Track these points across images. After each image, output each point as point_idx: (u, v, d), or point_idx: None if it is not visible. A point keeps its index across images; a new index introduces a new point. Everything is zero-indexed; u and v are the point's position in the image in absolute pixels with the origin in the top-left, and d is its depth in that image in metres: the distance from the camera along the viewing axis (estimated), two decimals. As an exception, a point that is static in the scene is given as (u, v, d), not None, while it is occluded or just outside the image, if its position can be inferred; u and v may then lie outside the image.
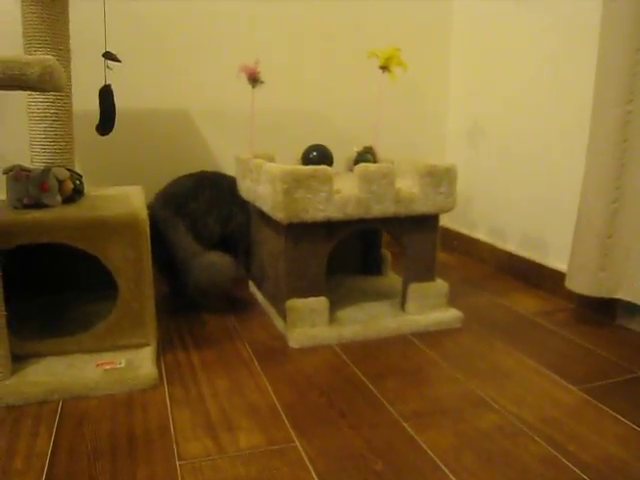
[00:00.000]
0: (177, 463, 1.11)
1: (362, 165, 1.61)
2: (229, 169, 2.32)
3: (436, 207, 1.71)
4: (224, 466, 1.10)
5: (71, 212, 1.44)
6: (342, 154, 2.09)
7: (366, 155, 2.03)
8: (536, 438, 1.21)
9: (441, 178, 1.70)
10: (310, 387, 1.40)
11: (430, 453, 1.15)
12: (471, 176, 2.59)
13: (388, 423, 1.26)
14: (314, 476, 1.08)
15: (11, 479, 1.06)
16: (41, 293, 1.81)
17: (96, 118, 1.82)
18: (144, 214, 1.46)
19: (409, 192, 1.66)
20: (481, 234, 2.57)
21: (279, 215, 1.55)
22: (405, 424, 1.26)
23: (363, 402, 1.34)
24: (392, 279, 2.11)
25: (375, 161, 2.01)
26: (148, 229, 1.47)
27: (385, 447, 1.17)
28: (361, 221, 1.65)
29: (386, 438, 1.20)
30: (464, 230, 2.70)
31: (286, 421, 1.26)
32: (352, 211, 1.60)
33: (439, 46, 2.69)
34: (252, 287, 2.10)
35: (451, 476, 1.09)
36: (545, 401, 1.36)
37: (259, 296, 1.99)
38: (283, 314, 1.68)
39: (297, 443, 1.18)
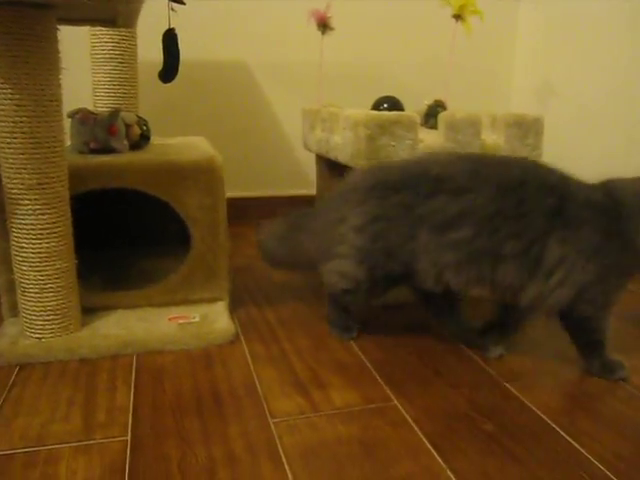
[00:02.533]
0: (270, 421, 1.03)
1: (448, 112, 1.51)
2: (293, 123, 2.23)
3: (522, 159, 1.60)
4: (322, 424, 1.02)
5: (143, 157, 1.36)
6: (411, 107, 1.98)
7: (437, 109, 1.91)
8: (654, 401, 1.11)
9: (528, 129, 1.59)
10: (397, 345, 1.31)
11: (540, 414, 1.06)
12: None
13: (489, 384, 1.17)
14: (421, 436, 0.99)
15: (96, 432, 0.99)
16: (108, 245, 1.73)
17: (158, 65, 1.72)
18: (220, 160, 1.37)
19: (495, 143, 1.56)
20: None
21: (360, 163, 1.45)
22: (507, 384, 1.16)
23: (457, 362, 1.25)
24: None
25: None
26: (223, 176, 1.38)
27: (491, 408, 1.08)
28: (443, 173, 1.55)
29: (490, 399, 1.11)
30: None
31: (379, 379, 1.17)
32: (436, 161, 1.49)
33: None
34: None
35: (570, 439, 0.99)
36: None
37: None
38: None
39: (396, 402, 1.09)
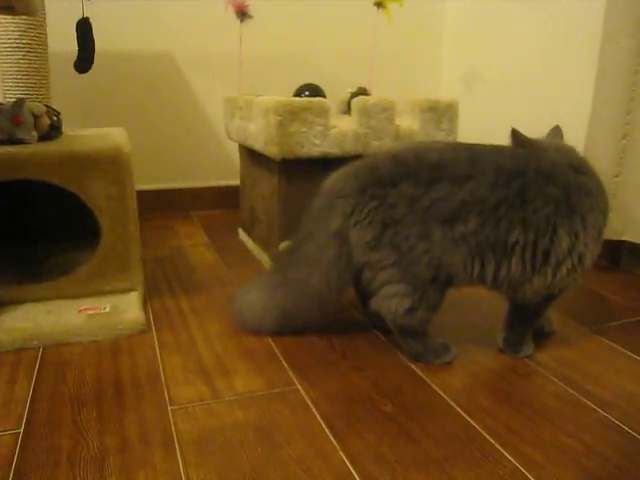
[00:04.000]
0: (169, 408, 1.02)
1: (360, 98, 1.52)
2: (217, 112, 2.22)
3: (437, 144, 1.61)
4: (220, 410, 1.02)
5: (48, 147, 1.33)
6: (334, 97, 1.98)
7: (360, 97, 1.92)
8: (552, 378, 1.13)
9: (442, 114, 1.60)
10: (309, 330, 1.31)
11: (441, 393, 1.07)
12: (468, 120, 2.48)
13: (395, 365, 1.18)
14: (319, 419, 1.00)
15: (-12, 426, 0.97)
16: (20, 240, 1.70)
17: (73, 56, 1.69)
18: (127, 149, 1.36)
19: (409, 128, 1.57)
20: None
21: (272, 150, 1.45)
22: (412, 365, 1.17)
23: (366, 345, 1.26)
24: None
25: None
26: (132, 165, 1.36)
27: (394, 389, 1.09)
28: (358, 158, 1.55)
29: (394, 380, 1.12)
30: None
31: (285, 364, 1.18)
32: (349, 147, 1.51)
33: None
34: (241, 234, 2.00)
35: (466, 416, 1.00)
36: (558, 342, 1.28)
37: (249, 243, 1.89)
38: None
39: (298, 386, 1.10)
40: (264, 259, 1.71)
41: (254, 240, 1.84)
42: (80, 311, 1.32)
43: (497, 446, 0.93)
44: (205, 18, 2.22)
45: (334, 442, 0.94)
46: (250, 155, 1.77)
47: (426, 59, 2.64)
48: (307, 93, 1.84)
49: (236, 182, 2.33)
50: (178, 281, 1.61)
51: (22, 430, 0.96)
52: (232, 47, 2.18)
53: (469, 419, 1.00)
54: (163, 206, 2.32)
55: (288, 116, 1.43)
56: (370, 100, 1.50)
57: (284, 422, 0.99)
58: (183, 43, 2.22)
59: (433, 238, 1.09)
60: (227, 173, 2.40)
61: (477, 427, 0.98)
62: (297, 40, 2.39)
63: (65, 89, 2.02)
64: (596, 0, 1.73)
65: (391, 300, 1.14)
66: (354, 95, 1.92)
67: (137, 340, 1.27)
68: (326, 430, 0.97)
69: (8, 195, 1.57)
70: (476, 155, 1.11)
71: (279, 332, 1.26)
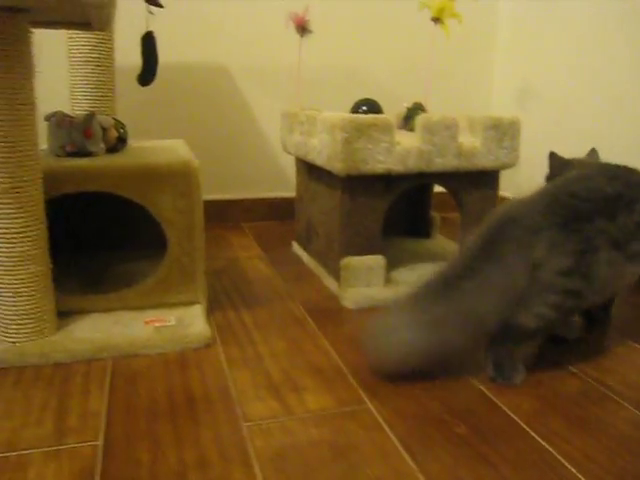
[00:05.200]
0: (243, 424, 1.03)
1: (424, 115, 1.52)
2: (272, 125, 2.23)
3: (498, 162, 1.61)
4: (294, 427, 1.02)
5: (119, 160, 1.35)
6: (390, 110, 1.99)
7: (416, 111, 1.92)
8: (625, 404, 1.12)
9: (505, 132, 1.60)
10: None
11: (514, 416, 1.06)
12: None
13: (462, 386, 1.17)
14: (394, 439, 0.99)
15: (67, 437, 0.98)
16: (81, 249, 1.73)
17: (137, 69, 1.72)
18: (196, 163, 1.37)
19: (471, 146, 1.56)
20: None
21: (337, 166, 1.45)
22: (482, 387, 1.17)
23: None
24: (441, 242, 2.02)
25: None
26: (200, 179, 1.37)
27: (464, 411, 1.08)
28: (420, 175, 1.56)
29: (463, 401, 1.12)
30: (508, 195, 2.59)
31: (353, 382, 1.17)
32: (413, 164, 1.51)
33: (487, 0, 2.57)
34: (296, 247, 2.00)
35: (541, 440, 1.00)
36: (625, 365, 1.26)
37: (304, 257, 1.90)
38: (335, 274, 1.60)
39: (369, 404, 1.10)
40: (321, 273, 1.71)
41: (310, 254, 1.85)
42: (146, 323, 1.33)
43: (577, 474, 0.92)
44: (262, 31, 2.24)
45: (411, 464, 0.94)
46: (309, 169, 1.78)
47: (477, 74, 2.63)
48: (364, 108, 1.84)
49: (287, 194, 2.35)
50: (238, 294, 1.62)
51: (101, 442, 0.97)
52: (288, 60, 2.20)
53: (544, 443, 0.99)
54: (215, 217, 2.34)
55: (354, 133, 1.43)
56: (434, 117, 1.50)
57: (359, 441, 0.99)
58: (238, 56, 2.25)
59: (615, 263, 1.18)
60: (278, 185, 2.42)
61: (554, 452, 0.97)
62: (353, 54, 2.40)
63: (128, 100, 2.04)
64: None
65: (534, 319, 1.17)
66: (410, 110, 1.93)
67: (204, 353, 1.28)
68: (402, 451, 0.97)
69: (74, 204, 1.59)
70: (631, 178, 1.24)
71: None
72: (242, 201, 2.39)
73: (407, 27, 2.42)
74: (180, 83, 2.20)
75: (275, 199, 2.42)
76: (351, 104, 1.92)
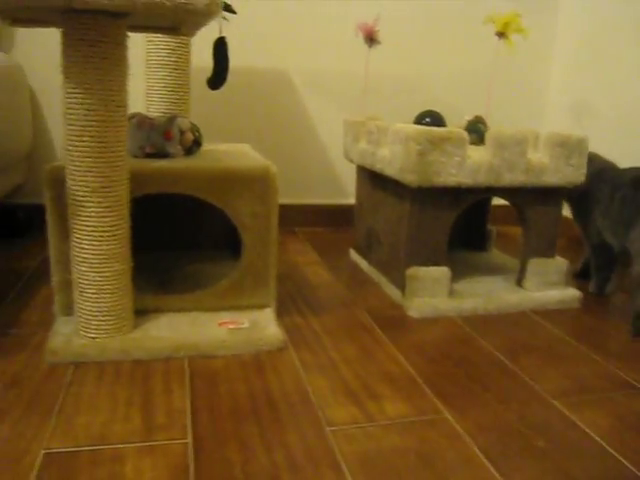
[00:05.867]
0: (327, 429, 1.05)
1: (497, 129, 1.53)
2: (332, 132, 2.26)
3: (565, 179, 1.62)
4: (377, 434, 1.04)
5: (200, 163, 1.38)
6: (450, 122, 2.00)
7: (478, 125, 1.93)
8: (701, 425, 1.12)
9: (573, 150, 1.61)
10: (443, 358, 1.33)
11: (591, 433, 1.08)
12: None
13: (537, 400, 1.18)
14: (476, 450, 1.01)
15: (157, 434, 1.01)
16: (155, 249, 1.76)
17: (203, 72, 1.75)
18: (274, 168, 1.39)
19: (539, 162, 1.57)
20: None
21: (409, 177, 1.47)
22: (555, 402, 1.18)
23: (503, 377, 1.27)
24: (497, 255, 2.02)
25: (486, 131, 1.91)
26: (277, 185, 1.40)
27: (541, 424, 1.10)
28: (487, 189, 1.57)
29: (539, 415, 1.13)
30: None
31: (428, 391, 1.19)
32: (483, 178, 1.52)
33: (545, 15, 2.58)
34: (353, 255, 2.02)
35: (622, 459, 1.01)
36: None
37: (364, 264, 1.92)
38: (399, 283, 1.61)
39: (447, 414, 1.11)
40: (383, 282, 1.73)
41: (370, 262, 1.86)
42: (220, 324, 1.36)
43: (662, 492, 0.93)
44: (324, 39, 2.27)
45: (497, 475, 0.95)
46: (372, 178, 1.80)
47: (532, 88, 2.64)
48: (428, 120, 1.86)
49: (341, 201, 2.37)
50: (303, 299, 1.64)
51: (190, 440, 1.00)
52: (348, 68, 2.22)
53: (626, 462, 1.00)
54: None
55: (428, 145, 1.45)
56: (506, 132, 1.52)
57: (443, 450, 1.00)
58: (302, 63, 2.27)
59: None
60: (334, 192, 2.44)
61: (637, 472, 0.98)
62: (416, 65, 2.42)
63: (195, 103, 2.08)
64: None
65: None
66: (471, 123, 1.94)
67: (277, 357, 1.31)
68: (485, 461, 0.98)
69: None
70: None
71: None
72: (296, 206, 2.41)
73: (469, 41, 2.44)
74: (244, 88, 2.24)
75: (328, 205, 2.44)
76: (411, 114, 1.94)
